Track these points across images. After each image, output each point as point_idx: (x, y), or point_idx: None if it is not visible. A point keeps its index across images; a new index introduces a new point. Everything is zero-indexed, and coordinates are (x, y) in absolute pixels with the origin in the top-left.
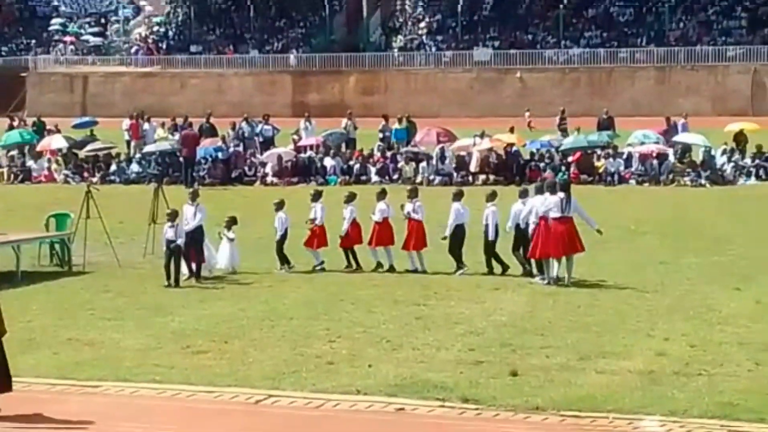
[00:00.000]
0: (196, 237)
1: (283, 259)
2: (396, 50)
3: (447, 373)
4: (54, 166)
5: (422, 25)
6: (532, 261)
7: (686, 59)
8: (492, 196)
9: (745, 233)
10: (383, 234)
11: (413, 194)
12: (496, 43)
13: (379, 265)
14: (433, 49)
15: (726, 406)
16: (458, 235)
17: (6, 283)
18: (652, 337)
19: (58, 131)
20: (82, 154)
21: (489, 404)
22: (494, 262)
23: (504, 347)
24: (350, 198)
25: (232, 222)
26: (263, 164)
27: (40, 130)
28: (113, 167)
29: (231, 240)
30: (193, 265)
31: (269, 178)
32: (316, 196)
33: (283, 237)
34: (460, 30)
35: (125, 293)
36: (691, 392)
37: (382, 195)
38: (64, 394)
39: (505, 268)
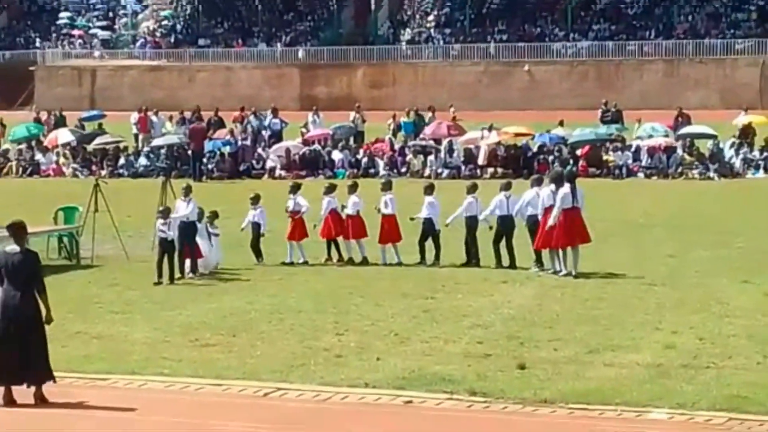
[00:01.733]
0: (188, 233)
1: (258, 253)
2: (404, 43)
3: (455, 366)
4: (62, 159)
5: (430, 18)
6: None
7: (695, 52)
8: (507, 186)
9: (754, 226)
10: (356, 227)
11: (386, 187)
12: (504, 36)
13: (350, 260)
14: (441, 42)
15: (734, 398)
16: (429, 229)
17: None
18: (661, 330)
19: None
20: (90, 147)
21: (497, 397)
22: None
23: (512, 340)
24: (329, 190)
25: (214, 217)
26: (274, 157)
27: (60, 123)
28: (121, 161)
29: (216, 236)
30: (187, 261)
31: (277, 172)
32: (329, 190)
33: (259, 232)
34: (468, 23)
35: (133, 287)
36: (699, 385)
37: (353, 188)
38: (73, 387)
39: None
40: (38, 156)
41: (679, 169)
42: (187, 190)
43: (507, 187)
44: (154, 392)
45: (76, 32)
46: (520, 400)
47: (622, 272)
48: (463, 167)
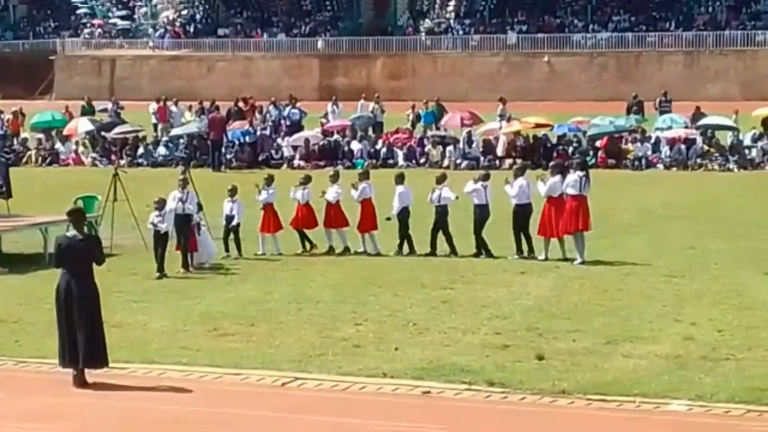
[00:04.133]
0: (183, 226)
1: (238, 247)
2: (423, 34)
3: (473, 357)
4: (81, 149)
5: (450, 8)
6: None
7: (715, 43)
8: (521, 170)
9: None
10: (336, 216)
11: (364, 176)
12: (524, 27)
13: (331, 249)
14: (461, 32)
15: (754, 390)
16: (405, 217)
17: (34, 265)
18: (680, 322)
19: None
20: (109, 137)
21: (515, 388)
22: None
23: (530, 331)
24: (306, 181)
25: (198, 208)
26: (291, 147)
27: (89, 112)
28: (140, 150)
29: (200, 228)
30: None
31: (296, 162)
32: (335, 178)
33: (237, 224)
34: (487, 14)
35: (152, 276)
36: (718, 377)
37: (335, 177)
38: (91, 375)
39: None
40: (57, 145)
41: (699, 161)
42: (184, 183)
43: (522, 172)
44: (173, 381)
45: (95, 22)
46: (538, 391)
47: (642, 263)
48: (482, 158)
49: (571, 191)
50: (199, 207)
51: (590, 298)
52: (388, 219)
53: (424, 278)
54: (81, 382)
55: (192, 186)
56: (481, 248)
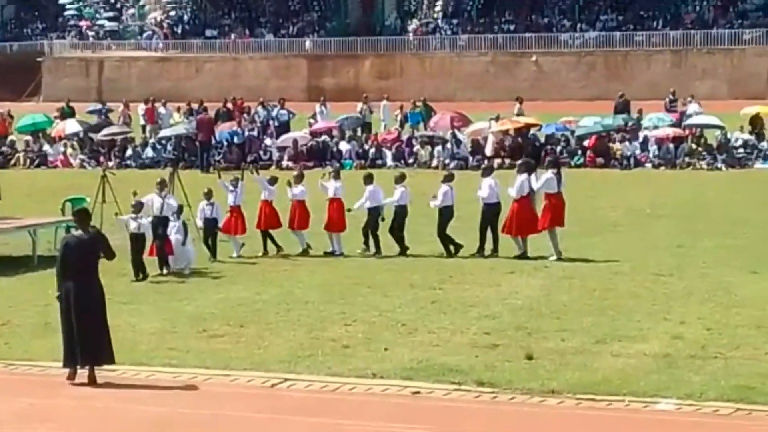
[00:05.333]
0: (160, 230)
1: (214, 249)
2: (411, 34)
3: (462, 357)
4: (69, 150)
5: (437, 8)
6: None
7: (702, 42)
8: (488, 170)
9: (762, 216)
10: (300, 216)
11: (335, 176)
12: (512, 27)
13: (309, 246)
14: (449, 32)
15: (742, 389)
16: (374, 217)
17: (22, 267)
18: (668, 321)
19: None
20: (97, 138)
21: (504, 388)
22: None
23: (519, 331)
24: (272, 182)
25: (179, 211)
26: (280, 148)
27: (68, 114)
28: (129, 152)
29: (178, 231)
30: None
31: (284, 162)
32: (299, 179)
33: (214, 226)
34: (475, 13)
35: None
36: (707, 375)
37: (299, 179)
38: (81, 377)
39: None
40: (45, 147)
41: (687, 160)
42: (162, 185)
43: (489, 172)
44: (162, 382)
45: (83, 23)
46: (527, 391)
47: (630, 262)
48: (470, 158)
49: (547, 190)
50: (181, 210)
51: (579, 298)
52: (349, 210)
53: (413, 278)
54: (92, 380)
55: (180, 187)
56: (448, 247)
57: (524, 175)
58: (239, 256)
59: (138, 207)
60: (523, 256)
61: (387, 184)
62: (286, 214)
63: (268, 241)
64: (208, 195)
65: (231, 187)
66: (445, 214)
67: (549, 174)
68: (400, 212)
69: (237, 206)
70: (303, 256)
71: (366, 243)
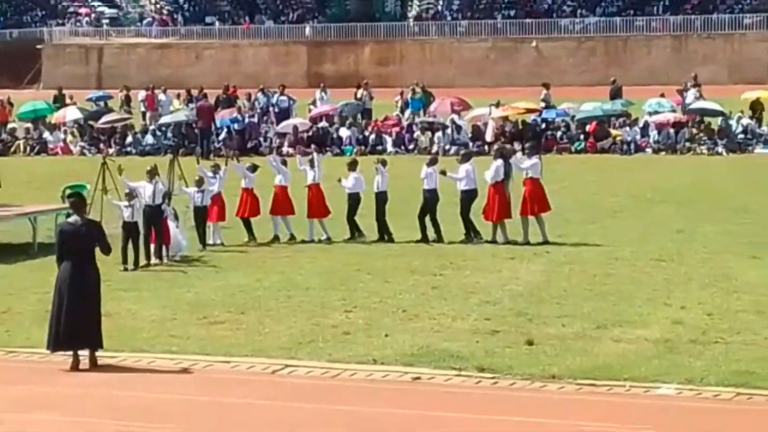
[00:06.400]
0: (154, 217)
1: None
2: (411, 20)
3: (463, 343)
4: (70, 138)
5: None
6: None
7: (703, 27)
8: (466, 156)
9: (762, 202)
10: (283, 203)
11: (312, 163)
12: (512, 12)
13: (276, 237)
14: (449, 18)
15: (743, 374)
16: (354, 204)
17: (23, 254)
18: (669, 306)
19: (73, 103)
20: (97, 125)
21: (505, 373)
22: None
23: (520, 316)
24: (252, 169)
25: (167, 198)
26: (279, 135)
27: (60, 101)
28: (129, 139)
29: (173, 219)
30: (152, 246)
31: (284, 149)
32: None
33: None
34: None
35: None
36: (707, 360)
37: (353, 165)
38: (74, 371)
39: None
40: (46, 134)
41: (688, 145)
42: (153, 173)
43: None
44: (163, 369)
45: (83, 10)
46: (528, 377)
47: (630, 248)
48: (470, 144)
49: (531, 174)
50: (169, 197)
51: (579, 283)
52: (339, 180)
53: (413, 264)
54: (75, 366)
55: (181, 174)
56: (435, 231)
57: (499, 161)
58: (221, 244)
59: (130, 195)
60: (498, 242)
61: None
62: (267, 202)
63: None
64: (199, 182)
65: (211, 174)
66: (432, 197)
67: (535, 160)
68: (354, 199)
69: (218, 193)
70: (291, 242)
71: (352, 231)
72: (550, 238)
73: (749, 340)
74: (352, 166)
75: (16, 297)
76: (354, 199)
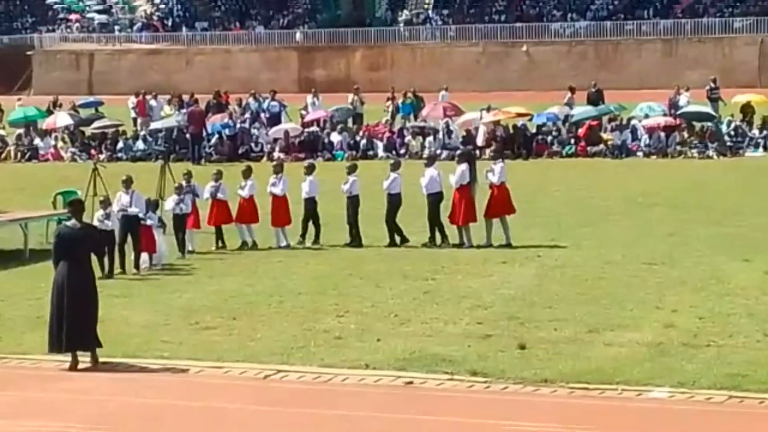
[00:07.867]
0: (132, 227)
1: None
2: (402, 25)
3: (455, 347)
4: (60, 144)
5: None
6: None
7: (693, 31)
8: (431, 160)
9: (754, 205)
10: (248, 211)
11: (278, 169)
12: (502, 17)
13: (244, 243)
14: (439, 23)
15: (735, 377)
16: (312, 207)
17: (14, 261)
18: (661, 309)
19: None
20: (88, 131)
21: (497, 377)
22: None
23: (512, 320)
24: (218, 176)
25: (154, 205)
26: (273, 140)
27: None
28: (120, 145)
29: (159, 227)
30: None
31: (276, 154)
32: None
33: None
34: (466, 3)
35: (132, 270)
36: (699, 364)
37: (248, 172)
38: (73, 371)
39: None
40: (36, 140)
41: (678, 148)
42: (128, 182)
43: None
44: (154, 375)
45: (73, 16)
46: (520, 381)
47: (622, 251)
48: (461, 148)
49: (500, 179)
50: (156, 205)
51: (571, 287)
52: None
53: (405, 269)
54: (95, 362)
55: (172, 180)
56: (394, 236)
57: (464, 165)
58: (192, 251)
59: (105, 203)
60: (464, 245)
61: (382, 174)
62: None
63: (221, 236)
64: (179, 190)
65: (213, 183)
66: (396, 201)
67: (502, 164)
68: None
69: (194, 201)
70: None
71: (308, 235)
72: (513, 242)
73: (741, 343)
74: (395, 166)
75: (7, 303)
76: (395, 201)
